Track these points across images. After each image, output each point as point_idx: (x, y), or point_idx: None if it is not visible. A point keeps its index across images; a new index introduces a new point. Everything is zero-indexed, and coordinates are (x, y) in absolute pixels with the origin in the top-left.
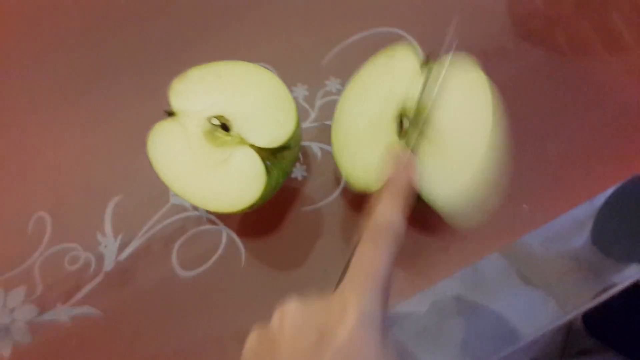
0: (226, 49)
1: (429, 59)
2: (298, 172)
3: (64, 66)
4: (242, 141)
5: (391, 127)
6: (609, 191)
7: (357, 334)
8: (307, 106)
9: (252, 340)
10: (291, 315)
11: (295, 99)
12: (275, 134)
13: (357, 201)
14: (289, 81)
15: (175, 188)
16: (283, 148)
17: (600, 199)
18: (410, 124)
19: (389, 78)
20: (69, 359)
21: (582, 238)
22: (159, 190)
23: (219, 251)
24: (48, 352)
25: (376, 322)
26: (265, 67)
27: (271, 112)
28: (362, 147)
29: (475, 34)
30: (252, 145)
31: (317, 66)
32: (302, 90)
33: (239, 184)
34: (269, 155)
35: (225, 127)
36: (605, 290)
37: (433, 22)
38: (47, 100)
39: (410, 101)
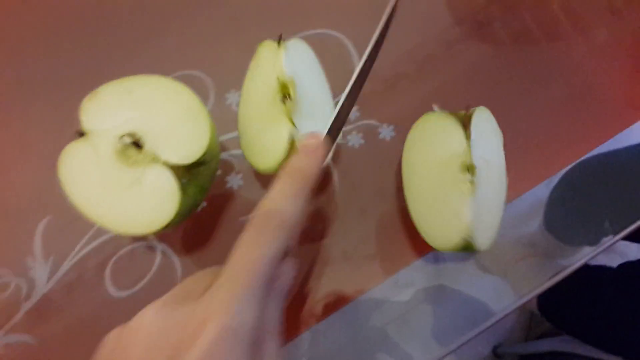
0: (157, 61)
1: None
2: (234, 182)
3: None
4: (155, 159)
5: (278, 105)
6: (557, 177)
7: (212, 355)
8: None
9: (109, 340)
10: (147, 326)
11: (229, 106)
12: (189, 149)
13: None
14: (223, 88)
15: (88, 212)
16: (198, 164)
17: (551, 183)
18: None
19: (264, 63)
20: None
21: (535, 223)
22: None
23: (154, 267)
24: None
25: (244, 335)
26: (198, 75)
27: (184, 127)
28: (256, 130)
29: (418, 35)
30: (165, 163)
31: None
32: (235, 97)
33: (152, 204)
34: (184, 172)
35: (137, 145)
36: (558, 273)
37: (367, 23)
38: None
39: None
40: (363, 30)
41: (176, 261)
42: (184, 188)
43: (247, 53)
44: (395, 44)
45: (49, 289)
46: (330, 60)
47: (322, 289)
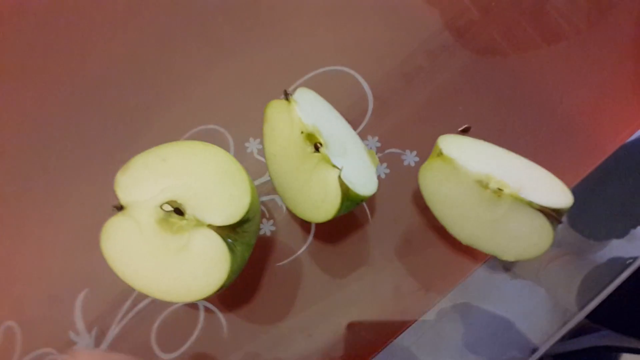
0: (175, 123)
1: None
2: (266, 228)
3: (7, 164)
4: (199, 223)
5: (311, 156)
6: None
7: None
8: (262, 159)
9: None
10: None
11: (250, 154)
12: (232, 209)
13: (332, 238)
14: (242, 138)
15: (138, 285)
16: (243, 222)
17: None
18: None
19: (279, 123)
20: None
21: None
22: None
23: (199, 325)
24: None
25: None
26: (216, 129)
27: (223, 188)
28: (299, 187)
29: (407, 43)
30: (210, 226)
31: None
32: (255, 145)
33: (202, 268)
34: (230, 232)
35: (179, 212)
36: (593, 273)
37: (373, 54)
38: None
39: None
40: (367, 60)
41: (220, 316)
42: (231, 248)
43: (262, 100)
44: (389, 64)
45: None
46: (342, 95)
47: (354, 330)
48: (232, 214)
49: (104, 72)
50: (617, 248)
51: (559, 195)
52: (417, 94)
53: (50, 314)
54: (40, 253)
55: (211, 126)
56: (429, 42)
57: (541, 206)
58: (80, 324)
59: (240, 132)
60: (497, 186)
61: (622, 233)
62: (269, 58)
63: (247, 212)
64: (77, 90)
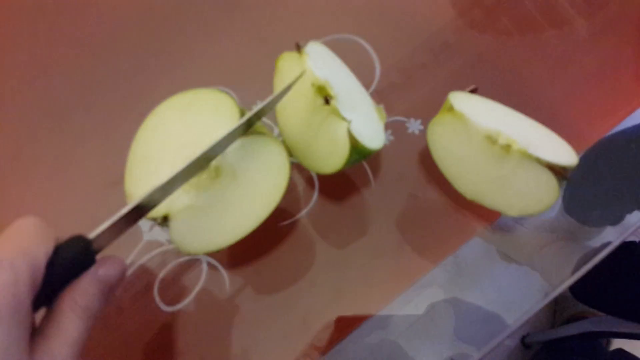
0: (182, 79)
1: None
2: None
3: (21, 119)
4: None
5: (321, 108)
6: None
7: None
8: (270, 122)
9: None
10: None
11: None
12: None
13: (338, 197)
14: (249, 100)
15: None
16: None
17: None
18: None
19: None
20: None
21: (554, 209)
22: (131, 229)
23: (202, 281)
24: None
25: None
26: (225, 91)
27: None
28: (308, 139)
29: (421, 29)
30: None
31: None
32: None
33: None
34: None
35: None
36: (587, 256)
37: (385, 25)
38: (6, 158)
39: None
40: (377, 29)
41: (223, 273)
42: None
43: (267, 65)
44: (407, 37)
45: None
46: (350, 63)
47: (358, 289)
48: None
49: (113, 30)
50: (610, 233)
51: (564, 154)
52: (425, 67)
53: None
54: (49, 202)
55: (220, 88)
56: (439, 21)
57: (549, 162)
58: None
59: (247, 95)
60: (505, 142)
61: (616, 219)
62: (280, 22)
63: None
64: (88, 45)
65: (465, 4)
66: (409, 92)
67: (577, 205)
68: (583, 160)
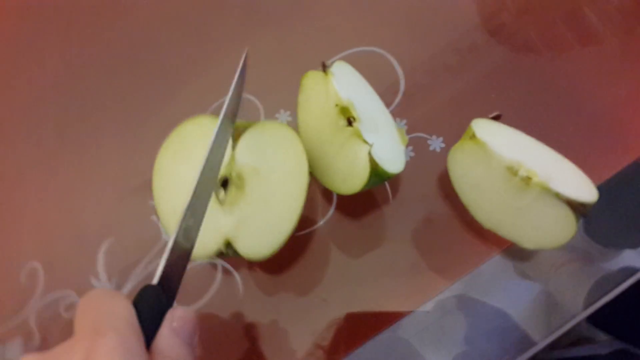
0: (207, 89)
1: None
2: None
3: (47, 116)
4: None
5: (343, 129)
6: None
7: None
8: None
9: None
10: None
11: None
12: None
13: (356, 210)
14: (273, 109)
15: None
16: None
17: None
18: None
19: (315, 94)
20: None
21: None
22: (150, 230)
23: (216, 284)
24: None
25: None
26: (248, 98)
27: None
28: (329, 158)
29: (445, 32)
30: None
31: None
32: (285, 116)
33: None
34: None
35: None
36: (604, 279)
37: (410, 39)
38: (32, 154)
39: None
40: (403, 44)
41: (237, 277)
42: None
43: (293, 74)
44: (423, 51)
45: None
46: (374, 76)
47: (370, 303)
48: None
49: (143, 33)
50: (629, 258)
51: (584, 190)
52: (448, 82)
53: (74, 258)
54: (72, 199)
55: (243, 95)
56: (466, 36)
57: (568, 198)
58: (101, 271)
59: (271, 103)
60: (526, 174)
61: (636, 244)
62: (307, 32)
63: None
64: (118, 48)
65: (493, 19)
66: (432, 108)
67: (598, 227)
68: (608, 182)
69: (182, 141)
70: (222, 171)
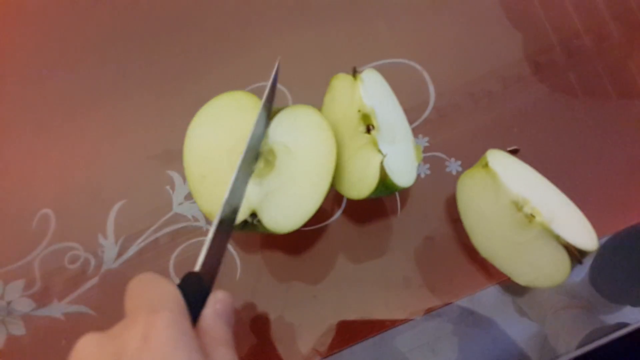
0: (241, 73)
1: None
2: None
3: (82, 76)
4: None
5: (361, 135)
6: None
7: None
8: None
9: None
10: (86, 350)
11: None
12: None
13: (363, 217)
14: (300, 102)
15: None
16: None
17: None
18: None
19: (341, 96)
20: (60, 354)
21: (580, 275)
22: (163, 199)
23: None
24: (40, 345)
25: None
26: (279, 87)
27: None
28: (342, 160)
29: (486, 60)
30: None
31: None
32: None
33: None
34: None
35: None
36: (600, 331)
37: (449, 60)
38: (62, 108)
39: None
40: (440, 65)
41: (236, 259)
42: None
43: (325, 73)
44: (460, 76)
45: (115, 268)
46: (406, 90)
47: (366, 307)
48: None
49: (191, 8)
50: (628, 314)
51: (586, 238)
52: (477, 110)
53: (87, 214)
54: (94, 156)
55: (278, 86)
56: (507, 67)
57: (567, 242)
58: (110, 230)
59: (300, 96)
60: (530, 212)
61: (637, 301)
62: (349, 35)
63: None
64: (163, 17)
65: (538, 57)
66: (457, 132)
67: (603, 279)
68: (618, 236)
69: (218, 112)
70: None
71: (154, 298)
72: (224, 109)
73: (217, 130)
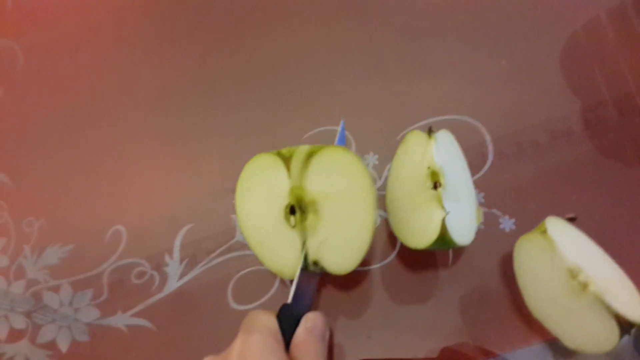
0: (312, 119)
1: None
2: None
3: (173, 117)
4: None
5: (428, 190)
6: None
7: None
8: (375, 173)
9: None
10: None
11: (366, 165)
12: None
13: (414, 264)
14: (363, 149)
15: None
16: None
17: None
18: None
19: (414, 151)
20: None
21: (625, 338)
22: (228, 227)
23: (272, 291)
24: (100, 353)
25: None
26: (348, 134)
27: None
28: (407, 211)
29: (542, 112)
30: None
31: (391, 140)
32: (372, 159)
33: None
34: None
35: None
36: None
37: (501, 111)
38: (151, 141)
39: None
40: (500, 125)
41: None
42: None
43: (393, 124)
44: (517, 134)
45: (178, 288)
46: (465, 145)
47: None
48: None
49: (261, 68)
50: None
51: (635, 309)
52: (534, 168)
53: (156, 233)
54: (169, 181)
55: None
56: (557, 122)
57: (618, 313)
58: (176, 251)
59: (363, 143)
60: (584, 280)
61: None
62: (413, 89)
63: None
64: (241, 78)
65: (592, 112)
66: (511, 189)
67: None
68: None
69: (250, 182)
70: (285, 200)
71: (253, 324)
72: (254, 177)
73: (255, 199)
